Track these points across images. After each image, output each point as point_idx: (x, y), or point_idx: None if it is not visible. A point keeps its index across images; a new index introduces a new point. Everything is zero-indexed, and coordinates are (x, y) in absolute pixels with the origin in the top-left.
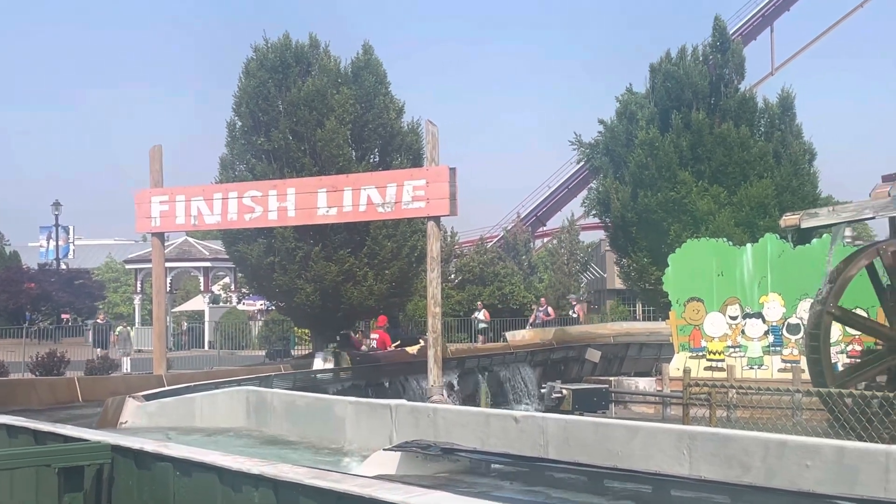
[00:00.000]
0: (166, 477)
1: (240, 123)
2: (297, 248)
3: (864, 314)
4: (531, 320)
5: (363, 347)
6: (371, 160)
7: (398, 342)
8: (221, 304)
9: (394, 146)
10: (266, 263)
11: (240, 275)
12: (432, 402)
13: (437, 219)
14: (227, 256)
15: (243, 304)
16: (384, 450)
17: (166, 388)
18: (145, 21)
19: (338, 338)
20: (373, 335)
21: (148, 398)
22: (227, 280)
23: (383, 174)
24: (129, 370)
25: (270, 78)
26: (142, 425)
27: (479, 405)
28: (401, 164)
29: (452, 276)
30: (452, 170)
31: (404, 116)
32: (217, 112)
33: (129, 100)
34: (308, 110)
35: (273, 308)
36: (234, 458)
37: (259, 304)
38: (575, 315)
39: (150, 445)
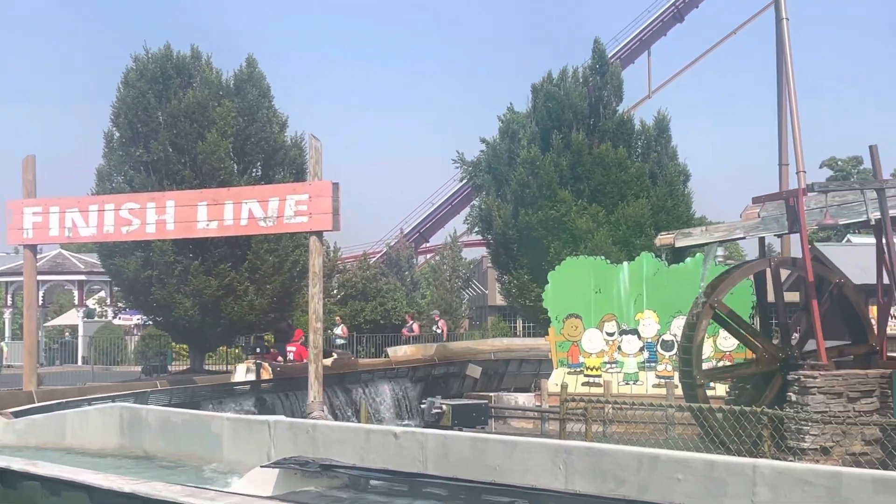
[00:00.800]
0: (34, 496)
1: (118, 134)
2: (176, 261)
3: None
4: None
5: (280, 359)
6: (253, 174)
7: None
8: (96, 318)
9: (277, 160)
10: (143, 277)
11: (116, 289)
12: (312, 417)
13: (319, 234)
14: (102, 270)
15: (119, 318)
16: (262, 467)
17: (36, 404)
18: (20, 25)
19: (258, 350)
20: (289, 348)
21: (16, 415)
22: (102, 294)
23: (265, 188)
24: None
25: (150, 89)
26: (9, 443)
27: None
28: (284, 178)
29: (335, 291)
30: (335, 185)
31: (288, 130)
32: (95, 122)
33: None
34: (189, 122)
35: (150, 323)
36: (104, 476)
37: (136, 319)
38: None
39: (17, 463)
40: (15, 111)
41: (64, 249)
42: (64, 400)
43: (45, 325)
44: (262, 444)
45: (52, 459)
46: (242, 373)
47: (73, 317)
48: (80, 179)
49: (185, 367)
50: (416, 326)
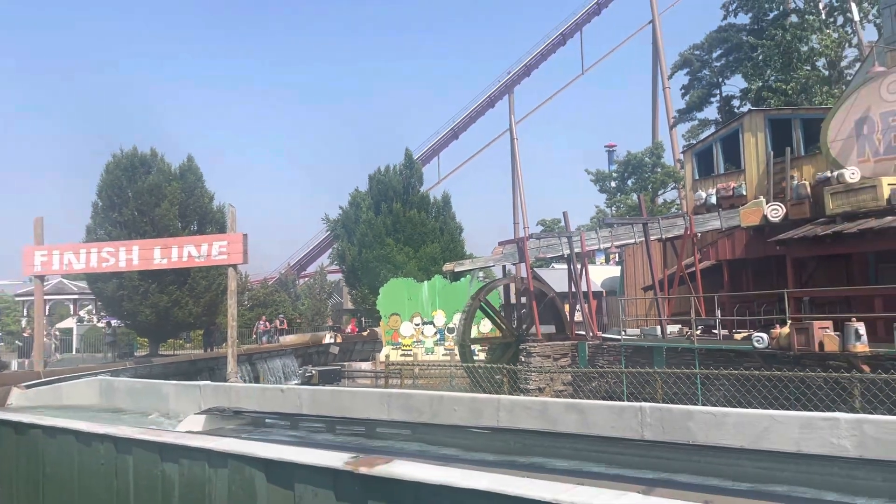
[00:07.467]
0: (37, 439)
1: (101, 203)
2: (140, 284)
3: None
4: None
5: (346, 331)
6: (192, 229)
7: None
8: (86, 322)
9: (207, 220)
10: (118, 295)
11: (99, 303)
12: (230, 382)
13: (234, 266)
14: (90, 291)
15: (101, 322)
16: (195, 414)
17: (42, 379)
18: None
19: (338, 326)
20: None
21: (28, 387)
22: (90, 307)
23: (200, 237)
24: (16, 368)
25: (123, 174)
26: (23, 405)
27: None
28: (211, 231)
29: (246, 303)
30: (245, 235)
31: (215, 201)
32: (85, 195)
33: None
34: (149, 196)
35: (122, 325)
36: (86, 423)
37: (113, 323)
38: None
39: (26, 417)
40: (25, 182)
41: (64, 278)
42: (61, 376)
43: (50, 328)
44: (195, 399)
45: (51, 415)
46: (329, 336)
47: (70, 322)
48: (72, 233)
49: (145, 353)
50: (281, 322)
